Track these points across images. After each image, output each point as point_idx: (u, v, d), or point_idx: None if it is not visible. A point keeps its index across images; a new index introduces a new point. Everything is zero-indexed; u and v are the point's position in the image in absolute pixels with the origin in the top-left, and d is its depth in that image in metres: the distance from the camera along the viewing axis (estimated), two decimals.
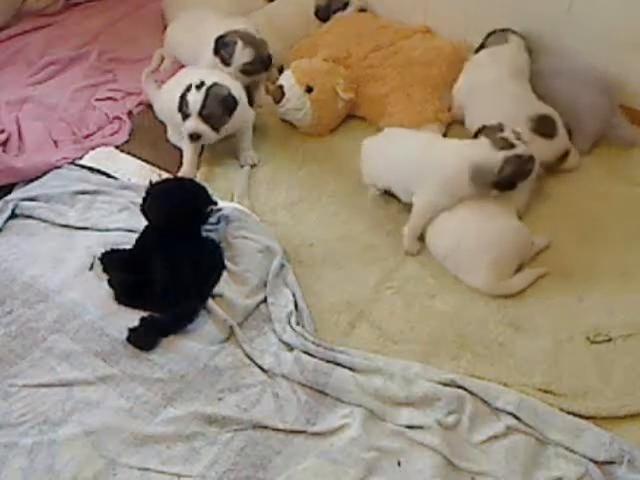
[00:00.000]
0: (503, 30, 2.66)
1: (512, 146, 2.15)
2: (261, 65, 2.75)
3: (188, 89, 2.45)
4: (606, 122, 2.56)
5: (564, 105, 2.50)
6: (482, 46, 2.71)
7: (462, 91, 2.65)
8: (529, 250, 2.21)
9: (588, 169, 2.53)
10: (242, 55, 2.69)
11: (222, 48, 2.71)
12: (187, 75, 2.60)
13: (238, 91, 2.55)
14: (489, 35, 2.70)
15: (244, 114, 2.60)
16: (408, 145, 2.34)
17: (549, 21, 2.68)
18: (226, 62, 2.70)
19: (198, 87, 2.43)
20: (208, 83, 2.44)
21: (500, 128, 2.23)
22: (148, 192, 2.17)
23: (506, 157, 2.13)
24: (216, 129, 2.47)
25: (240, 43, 2.68)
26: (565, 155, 2.47)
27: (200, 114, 2.42)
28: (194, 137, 2.46)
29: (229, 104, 2.47)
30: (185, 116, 2.45)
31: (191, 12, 2.97)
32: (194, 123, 2.43)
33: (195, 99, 2.42)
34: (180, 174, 2.52)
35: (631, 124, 2.61)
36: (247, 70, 2.72)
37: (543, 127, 2.42)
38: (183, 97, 2.45)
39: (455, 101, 2.68)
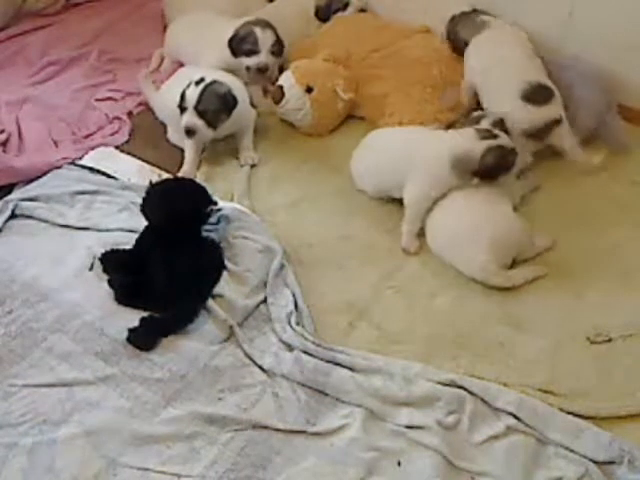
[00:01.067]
0: (473, 11, 2.70)
1: (495, 137, 2.19)
2: (281, 45, 2.77)
3: (189, 85, 2.46)
4: (600, 119, 2.55)
5: (562, 97, 2.49)
6: (449, 31, 2.74)
7: (475, 71, 2.59)
8: (527, 239, 2.20)
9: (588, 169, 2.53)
10: (266, 37, 2.71)
11: (240, 44, 2.72)
12: (188, 74, 2.60)
13: (240, 90, 2.56)
14: (454, 18, 2.72)
15: (246, 114, 2.61)
16: (389, 144, 2.37)
17: (551, 23, 2.68)
18: (253, 51, 2.70)
19: (197, 83, 2.44)
20: (208, 80, 2.45)
21: (477, 120, 2.31)
22: (148, 192, 2.17)
23: (489, 146, 2.16)
24: (212, 125, 2.46)
25: (258, 28, 2.70)
26: (552, 125, 2.42)
27: (196, 108, 2.42)
28: (189, 132, 2.46)
29: (228, 102, 2.47)
30: (182, 110, 2.46)
31: (191, 12, 2.97)
32: (189, 117, 2.44)
33: (192, 94, 2.42)
34: (180, 174, 2.51)
35: (628, 123, 2.60)
36: (275, 51, 2.74)
37: (536, 94, 2.41)
38: (183, 93, 2.46)
39: (466, 83, 2.62)
